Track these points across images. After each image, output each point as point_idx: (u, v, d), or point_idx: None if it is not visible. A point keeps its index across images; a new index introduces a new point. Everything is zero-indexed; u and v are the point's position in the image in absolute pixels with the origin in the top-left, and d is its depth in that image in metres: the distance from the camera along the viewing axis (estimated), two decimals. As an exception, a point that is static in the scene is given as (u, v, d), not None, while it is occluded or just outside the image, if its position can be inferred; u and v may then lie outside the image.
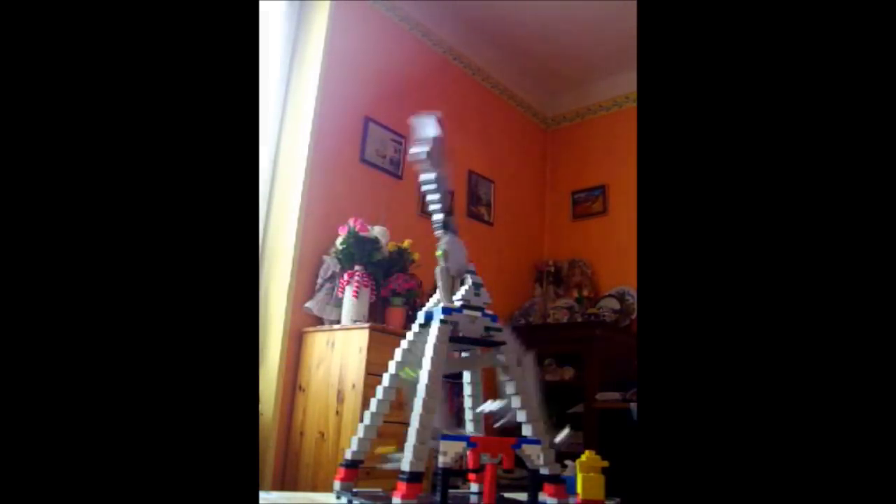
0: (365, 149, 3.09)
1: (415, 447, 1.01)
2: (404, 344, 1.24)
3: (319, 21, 3.00)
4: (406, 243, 2.76)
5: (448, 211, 1.27)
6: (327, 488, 1.51)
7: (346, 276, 2.58)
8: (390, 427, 1.65)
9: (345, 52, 3.04)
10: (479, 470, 1.06)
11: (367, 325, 2.44)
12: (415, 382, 1.12)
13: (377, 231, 2.72)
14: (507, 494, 1.33)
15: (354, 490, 1.22)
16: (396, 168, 3.22)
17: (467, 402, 1.32)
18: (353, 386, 2.37)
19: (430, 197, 1.28)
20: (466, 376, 1.32)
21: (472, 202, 3.70)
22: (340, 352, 2.48)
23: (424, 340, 1.17)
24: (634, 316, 3.56)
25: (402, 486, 0.99)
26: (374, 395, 1.23)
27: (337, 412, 2.40)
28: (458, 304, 1.18)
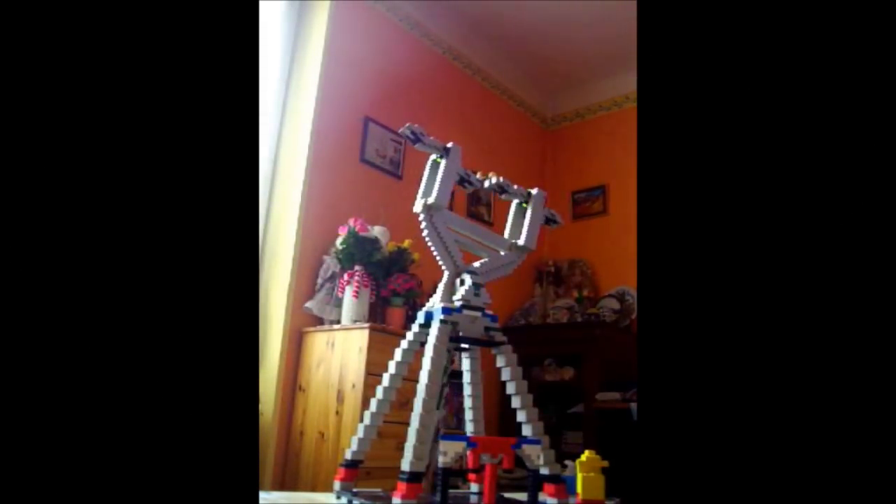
0: (365, 149, 3.09)
1: (415, 447, 1.01)
2: (404, 344, 1.24)
3: (319, 21, 3.00)
4: (406, 243, 2.76)
5: None
6: (327, 488, 1.51)
7: (346, 276, 2.58)
8: (390, 427, 1.65)
9: (345, 52, 3.04)
10: (479, 470, 1.06)
11: (367, 325, 2.44)
12: None
13: (377, 231, 2.72)
14: (507, 494, 1.33)
15: (354, 490, 1.22)
16: (396, 168, 3.22)
17: (467, 402, 1.32)
18: (353, 386, 2.37)
19: None
20: (466, 376, 1.32)
21: (472, 202, 3.70)
22: (340, 352, 2.48)
23: (424, 340, 1.17)
24: (634, 316, 3.56)
25: (402, 486, 0.99)
26: (374, 395, 1.23)
27: (337, 412, 2.40)
28: (458, 304, 1.18)
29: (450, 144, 1.28)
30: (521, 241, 1.33)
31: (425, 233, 1.23)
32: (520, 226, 1.37)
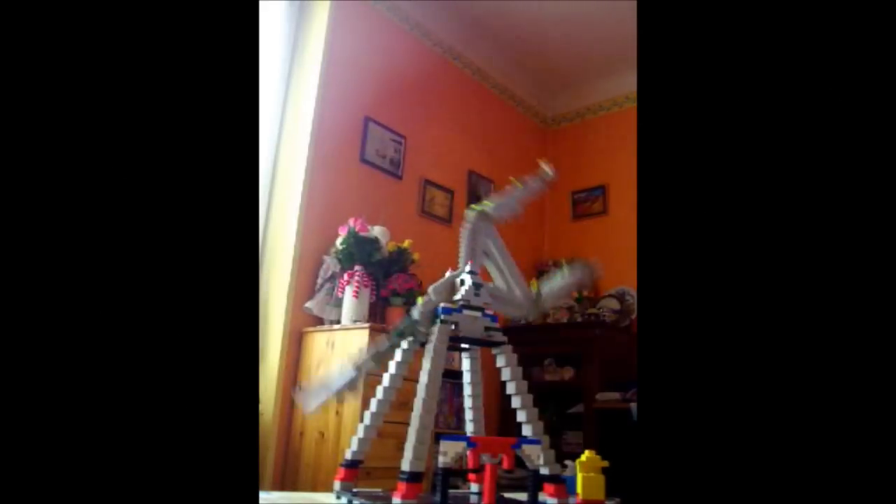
0: (365, 149, 3.09)
1: (415, 447, 1.01)
2: (404, 344, 1.24)
3: (319, 21, 3.00)
4: (406, 243, 2.76)
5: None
6: (327, 488, 1.51)
7: (346, 276, 2.58)
8: (390, 427, 1.65)
9: (345, 52, 3.04)
10: (479, 470, 1.06)
11: (367, 325, 2.44)
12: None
13: (377, 231, 2.72)
14: (507, 494, 1.33)
15: (354, 490, 1.22)
16: (396, 168, 3.22)
17: (467, 402, 1.32)
18: (353, 386, 2.37)
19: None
20: (466, 376, 1.31)
21: (472, 202, 3.70)
22: (340, 352, 2.48)
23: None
24: (634, 316, 3.56)
25: (402, 486, 0.99)
26: (374, 395, 1.23)
27: (337, 412, 2.40)
28: (458, 304, 1.18)
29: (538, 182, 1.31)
30: (542, 302, 1.35)
31: (465, 229, 1.25)
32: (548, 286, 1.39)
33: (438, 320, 1.15)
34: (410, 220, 3.22)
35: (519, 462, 1.06)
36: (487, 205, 1.27)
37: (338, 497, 1.20)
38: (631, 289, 3.64)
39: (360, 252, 2.62)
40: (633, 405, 2.88)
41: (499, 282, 1.32)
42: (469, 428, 1.29)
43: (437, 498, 0.99)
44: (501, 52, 3.92)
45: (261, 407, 2.53)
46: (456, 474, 1.20)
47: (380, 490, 1.28)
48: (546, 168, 1.34)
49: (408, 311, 1.20)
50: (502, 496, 1.27)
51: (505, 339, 1.22)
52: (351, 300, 2.55)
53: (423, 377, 1.08)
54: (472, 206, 1.29)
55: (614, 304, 3.65)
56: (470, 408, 1.31)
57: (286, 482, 2.49)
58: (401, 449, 1.03)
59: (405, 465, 1.00)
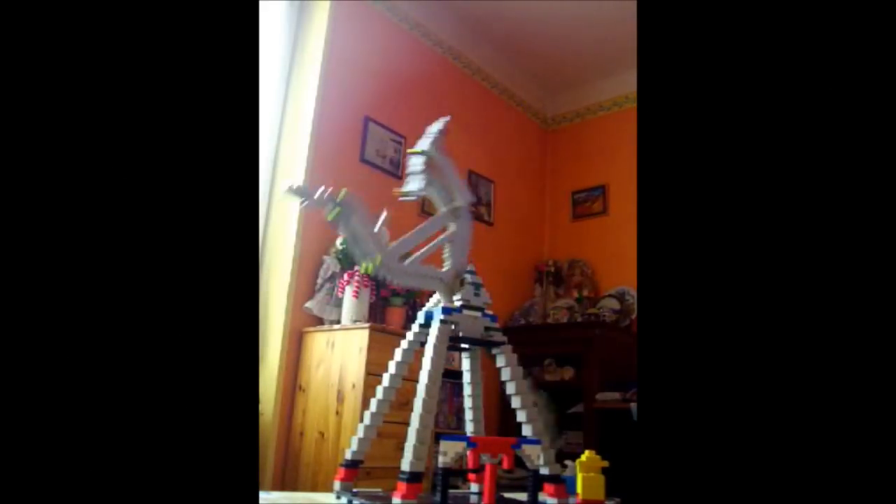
0: (365, 149, 3.09)
1: (415, 447, 1.01)
2: (404, 344, 1.24)
3: (319, 21, 3.00)
4: (406, 243, 2.76)
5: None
6: (327, 488, 1.51)
7: (346, 276, 2.58)
8: (390, 427, 1.65)
9: (345, 52, 3.04)
10: (479, 470, 1.06)
11: (367, 325, 2.44)
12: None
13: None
14: (507, 494, 1.33)
15: (354, 490, 1.22)
16: (396, 168, 3.22)
17: (467, 402, 1.32)
18: (353, 386, 2.37)
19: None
20: (466, 376, 1.32)
21: (473, 202, 3.70)
22: (340, 352, 2.48)
23: (424, 340, 1.17)
24: (634, 316, 3.56)
25: (402, 486, 0.99)
26: (374, 395, 1.23)
27: (337, 412, 2.40)
28: (458, 304, 1.18)
29: (343, 197, 1.17)
30: (458, 202, 1.31)
31: (397, 283, 1.18)
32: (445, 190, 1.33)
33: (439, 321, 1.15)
34: (410, 220, 3.22)
35: (519, 462, 1.07)
36: (374, 258, 1.14)
37: (338, 497, 1.20)
38: (631, 289, 3.64)
39: (360, 252, 2.62)
40: (633, 405, 2.88)
41: (445, 241, 1.28)
42: (469, 428, 1.30)
43: (437, 498, 1.00)
44: (501, 52, 3.92)
45: (261, 407, 2.53)
46: (456, 474, 1.20)
47: (380, 490, 1.28)
48: (397, 191, 1.28)
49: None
50: (502, 496, 1.27)
51: (505, 339, 1.22)
52: (351, 300, 2.55)
53: (423, 377, 1.09)
54: (366, 265, 1.13)
55: (614, 304, 3.65)
56: (470, 408, 1.31)
57: (286, 482, 2.49)
58: (401, 449, 1.03)
59: (405, 465, 1.00)
